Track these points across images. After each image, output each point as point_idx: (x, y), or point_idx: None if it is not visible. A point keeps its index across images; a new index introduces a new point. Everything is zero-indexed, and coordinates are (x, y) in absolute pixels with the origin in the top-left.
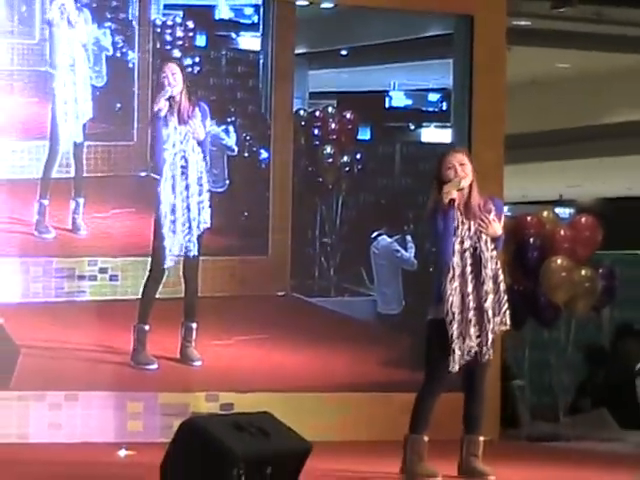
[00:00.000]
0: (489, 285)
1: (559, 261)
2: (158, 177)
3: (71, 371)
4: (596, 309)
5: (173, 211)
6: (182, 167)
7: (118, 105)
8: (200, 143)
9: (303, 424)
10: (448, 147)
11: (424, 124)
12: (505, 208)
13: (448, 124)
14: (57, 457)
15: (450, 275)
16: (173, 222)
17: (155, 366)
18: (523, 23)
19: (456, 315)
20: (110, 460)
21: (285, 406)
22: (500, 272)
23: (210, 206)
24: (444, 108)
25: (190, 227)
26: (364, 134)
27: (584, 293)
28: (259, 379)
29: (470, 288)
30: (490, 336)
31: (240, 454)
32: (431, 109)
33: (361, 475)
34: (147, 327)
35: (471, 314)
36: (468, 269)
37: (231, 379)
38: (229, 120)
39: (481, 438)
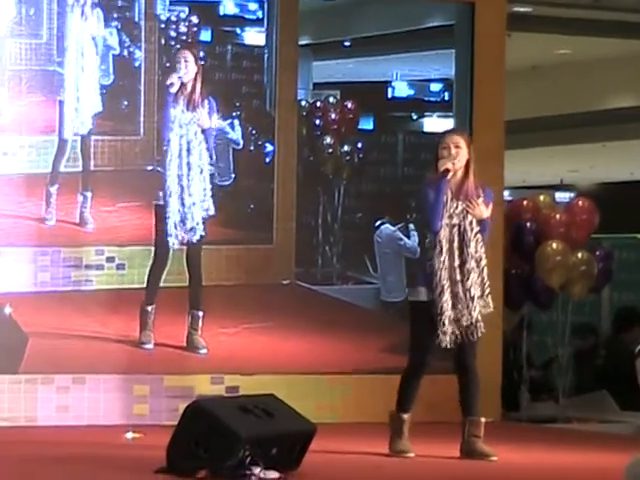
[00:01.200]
0: (471, 264)
1: (554, 245)
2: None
3: (78, 355)
4: (594, 291)
5: (177, 195)
6: (186, 151)
7: (125, 103)
8: (204, 132)
9: (307, 406)
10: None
11: (426, 114)
12: (505, 193)
13: (450, 114)
14: (65, 439)
15: (438, 249)
16: (176, 205)
17: (150, 346)
18: (523, 9)
19: (445, 288)
20: (117, 442)
21: (290, 388)
22: (484, 255)
23: (212, 196)
24: (446, 98)
25: (192, 212)
26: (367, 124)
27: (580, 276)
28: (264, 363)
29: (457, 263)
30: (474, 314)
31: (245, 436)
32: (433, 99)
33: (361, 455)
34: (150, 308)
35: (458, 288)
36: (455, 244)
37: (236, 363)
38: (234, 114)
39: (482, 419)
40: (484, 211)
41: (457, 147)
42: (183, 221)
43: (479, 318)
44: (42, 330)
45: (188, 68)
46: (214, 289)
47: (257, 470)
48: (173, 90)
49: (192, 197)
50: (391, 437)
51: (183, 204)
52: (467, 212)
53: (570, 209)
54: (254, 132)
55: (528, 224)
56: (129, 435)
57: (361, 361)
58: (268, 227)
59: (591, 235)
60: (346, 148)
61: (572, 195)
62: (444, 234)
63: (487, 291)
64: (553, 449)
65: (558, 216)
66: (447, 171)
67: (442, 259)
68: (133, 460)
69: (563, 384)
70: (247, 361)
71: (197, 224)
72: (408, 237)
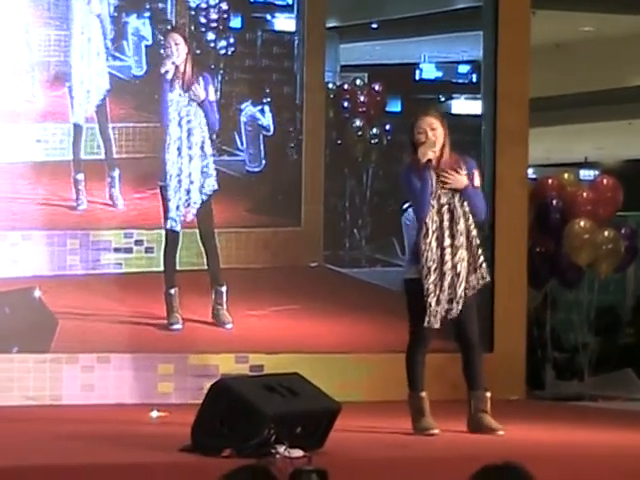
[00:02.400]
0: (460, 240)
1: (582, 223)
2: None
3: (104, 335)
4: (619, 270)
5: (178, 174)
6: (187, 132)
7: (156, 95)
8: (201, 105)
9: (332, 385)
10: (422, 111)
11: (454, 96)
12: (530, 171)
13: (478, 96)
14: (89, 418)
15: (424, 231)
16: (177, 185)
17: (179, 326)
18: None
19: (432, 270)
20: (142, 421)
21: (314, 367)
22: (473, 227)
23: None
24: (474, 80)
25: (192, 190)
26: (394, 106)
27: (607, 254)
28: (289, 343)
29: (447, 242)
30: (459, 291)
31: (270, 414)
32: (461, 81)
33: (386, 433)
34: (173, 291)
35: (447, 267)
36: (445, 224)
37: (262, 343)
38: (264, 101)
39: (487, 393)
40: (461, 180)
41: (432, 129)
42: (187, 202)
43: (464, 293)
44: (70, 312)
45: (179, 51)
46: (242, 272)
47: (282, 449)
48: (169, 76)
49: (191, 176)
50: (413, 417)
51: (180, 185)
52: (454, 189)
53: (595, 187)
54: (284, 117)
55: (554, 202)
56: (154, 414)
57: (388, 342)
58: (296, 210)
59: (616, 213)
60: (375, 131)
61: (596, 173)
62: (430, 215)
63: (480, 261)
64: (578, 427)
65: (585, 194)
66: (430, 161)
67: (427, 241)
68: (158, 438)
69: (588, 362)
70: (273, 341)
71: (195, 203)
72: None
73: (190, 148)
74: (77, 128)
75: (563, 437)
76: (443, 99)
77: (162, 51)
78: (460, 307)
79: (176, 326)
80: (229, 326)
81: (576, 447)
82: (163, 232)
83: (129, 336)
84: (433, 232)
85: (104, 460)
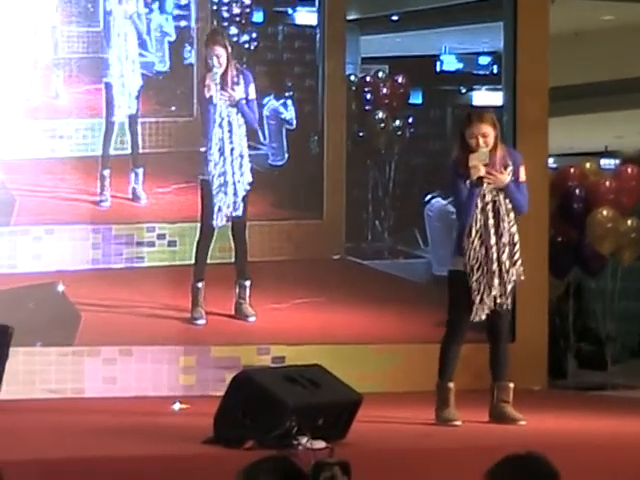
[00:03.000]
0: (506, 238)
1: (605, 212)
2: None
3: (127, 329)
4: None
5: (222, 173)
6: (228, 131)
7: (180, 86)
8: (237, 105)
9: (354, 376)
10: (475, 111)
11: (475, 87)
12: (550, 160)
13: (499, 87)
14: (112, 410)
15: (467, 230)
16: (222, 183)
17: (203, 322)
18: None
19: (475, 268)
20: (164, 413)
21: (336, 359)
22: (513, 224)
23: (251, 170)
24: (495, 71)
25: (235, 188)
26: (416, 98)
27: (630, 243)
28: (311, 335)
29: (493, 240)
30: (508, 287)
31: (292, 406)
32: (482, 72)
33: (408, 424)
34: (200, 285)
35: (495, 266)
36: (490, 222)
37: (285, 336)
38: (287, 94)
39: (510, 384)
40: (504, 179)
41: (484, 137)
42: (228, 198)
43: (508, 289)
44: (93, 306)
45: (221, 62)
46: (265, 264)
47: (304, 440)
48: (213, 92)
49: (235, 174)
50: (437, 406)
51: (227, 183)
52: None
53: (619, 176)
54: (306, 111)
55: (577, 191)
56: (176, 406)
57: (410, 333)
58: (318, 202)
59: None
60: (397, 123)
61: (617, 162)
62: (477, 215)
63: (518, 259)
64: (600, 417)
65: (607, 183)
66: (481, 179)
67: (471, 240)
68: (180, 430)
69: (611, 351)
70: (295, 333)
71: (240, 199)
72: None
73: (232, 148)
74: (111, 125)
75: (585, 427)
76: (464, 90)
77: (208, 61)
78: (509, 302)
79: (200, 321)
80: (252, 319)
81: (598, 436)
82: (198, 225)
83: (152, 329)
84: (477, 231)
85: (126, 452)
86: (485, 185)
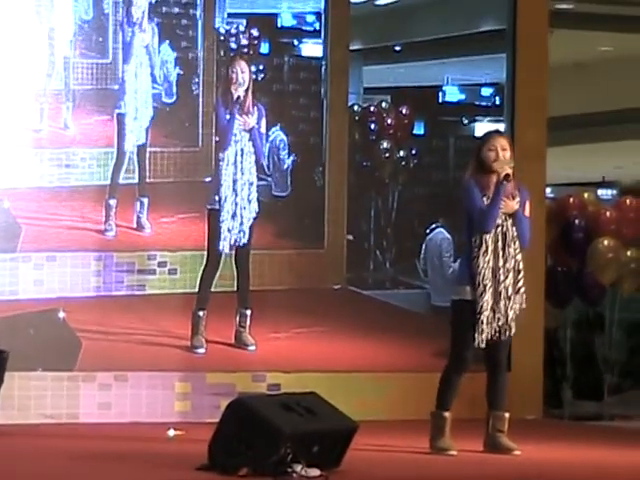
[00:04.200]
0: (511, 264)
1: (606, 242)
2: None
3: (125, 354)
4: None
5: (231, 199)
6: (240, 156)
7: (186, 115)
8: (250, 132)
9: (349, 404)
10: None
11: (477, 118)
12: (548, 190)
13: (501, 118)
14: (106, 436)
15: (484, 249)
16: (231, 207)
17: (202, 350)
18: (565, 6)
19: (487, 287)
20: (159, 439)
21: (331, 386)
22: (518, 252)
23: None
24: (497, 102)
25: (242, 215)
26: (418, 129)
27: (630, 273)
28: (308, 362)
29: (501, 263)
30: (511, 313)
31: (287, 433)
32: (484, 103)
33: (402, 452)
34: (202, 313)
35: (501, 287)
36: (499, 245)
37: (283, 364)
38: (292, 125)
39: (506, 414)
40: (513, 205)
41: (504, 150)
42: (235, 225)
43: (513, 317)
44: (93, 333)
45: (245, 79)
46: (266, 294)
47: (299, 468)
48: (240, 101)
49: (243, 201)
50: (432, 435)
51: (236, 209)
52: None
53: (619, 206)
54: (310, 142)
55: (577, 221)
56: (171, 432)
57: (409, 363)
58: (319, 232)
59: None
60: (402, 153)
61: (615, 192)
62: (490, 234)
63: (521, 287)
64: (595, 447)
65: (608, 213)
66: (508, 176)
67: (487, 259)
68: (174, 457)
69: (608, 381)
70: (293, 362)
71: (246, 227)
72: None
73: (242, 172)
74: (122, 155)
75: (579, 457)
76: (466, 122)
77: (231, 74)
78: (511, 330)
79: (200, 350)
80: (252, 348)
81: (592, 467)
82: (204, 254)
83: (150, 356)
84: (492, 250)
85: (120, 478)
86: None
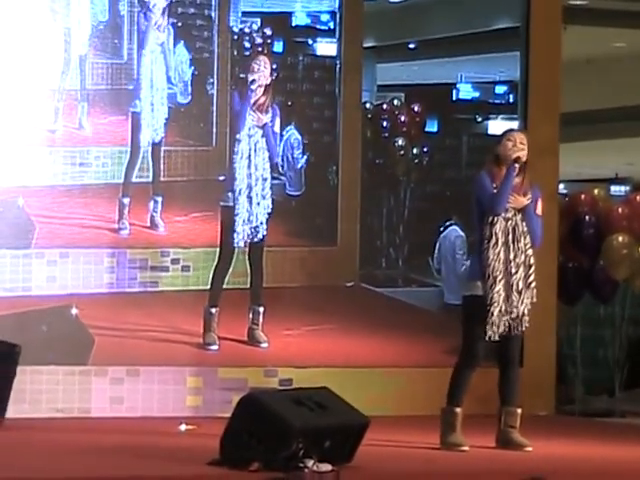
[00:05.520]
0: (521, 258)
1: (620, 238)
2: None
3: (137, 350)
4: None
5: (245, 194)
6: (254, 152)
7: (200, 114)
8: (263, 128)
9: (360, 399)
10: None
11: (491, 116)
12: (561, 186)
13: (515, 116)
14: (118, 430)
15: (494, 241)
16: (247, 203)
17: (216, 347)
18: (579, 2)
19: (497, 279)
20: (170, 434)
21: (343, 381)
22: (529, 247)
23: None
24: (511, 100)
25: (257, 211)
26: (431, 126)
27: None
28: (320, 358)
29: (511, 256)
30: (522, 307)
31: (299, 428)
32: (498, 101)
33: (414, 448)
34: (214, 310)
35: (512, 281)
36: (510, 237)
37: (294, 360)
38: (306, 124)
39: (518, 410)
40: (522, 201)
41: (522, 143)
42: (249, 220)
43: (525, 312)
44: (106, 329)
45: (265, 73)
46: (278, 291)
47: (310, 463)
48: (254, 87)
49: (257, 197)
50: (443, 431)
51: (250, 203)
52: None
53: (630, 202)
54: (325, 141)
55: (588, 217)
56: (182, 427)
57: (420, 360)
58: (332, 229)
59: None
60: (415, 151)
61: (627, 188)
62: (500, 227)
63: (532, 283)
64: (605, 443)
65: (620, 209)
66: (519, 159)
67: (497, 251)
68: (186, 451)
69: (619, 378)
70: (305, 358)
71: (261, 223)
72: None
73: (256, 168)
74: (136, 154)
75: (590, 453)
76: (480, 119)
77: (252, 67)
78: (523, 324)
79: (213, 347)
80: (264, 345)
81: (603, 463)
82: (216, 250)
83: (162, 352)
84: (503, 243)
85: (131, 473)
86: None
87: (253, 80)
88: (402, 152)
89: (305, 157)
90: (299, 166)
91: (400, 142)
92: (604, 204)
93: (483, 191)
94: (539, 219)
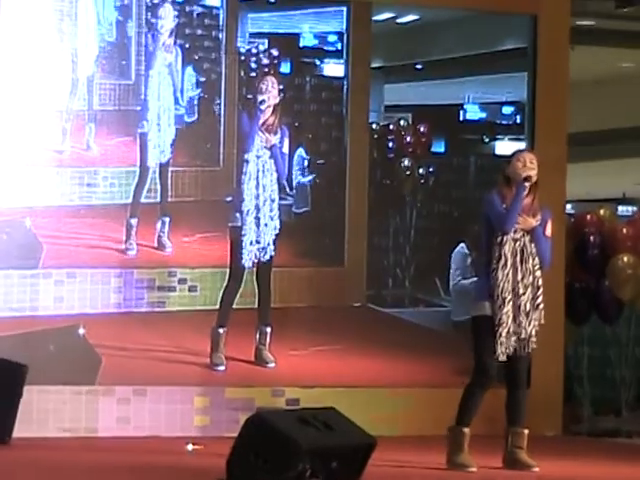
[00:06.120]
0: (529, 279)
1: (625, 258)
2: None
3: (144, 370)
4: None
5: (253, 215)
6: (262, 172)
7: (207, 134)
8: (271, 149)
9: (367, 419)
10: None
11: (498, 137)
12: (568, 206)
13: (522, 137)
14: (125, 450)
15: (502, 262)
16: (254, 223)
17: (222, 368)
18: (587, 23)
19: (506, 301)
20: (177, 453)
21: (350, 401)
22: (537, 268)
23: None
24: (518, 121)
25: (264, 231)
26: (439, 147)
27: None
28: (327, 378)
29: (519, 277)
30: (529, 329)
31: (306, 448)
32: (505, 122)
33: (422, 468)
34: (222, 330)
35: (520, 302)
36: (518, 258)
37: (301, 380)
38: (314, 145)
39: (525, 430)
40: (531, 222)
41: (532, 163)
42: (257, 240)
43: (533, 333)
44: (113, 349)
45: (272, 93)
46: (286, 310)
47: None
48: (263, 107)
49: (265, 218)
50: (450, 451)
51: (258, 224)
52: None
53: (634, 223)
54: (332, 161)
55: (592, 238)
56: (189, 447)
57: (427, 379)
58: (340, 250)
59: None
60: (421, 171)
61: (635, 209)
62: (509, 248)
63: (540, 304)
64: (614, 463)
65: (625, 230)
66: (529, 178)
67: (506, 272)
68: (193, 471)
69: (625, 397)
70: (312, 379)
71: (268, 244)
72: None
73: (264, 189)
74: (144, 174)
75: (597, 473)
76: (487, 140)
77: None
78: (531, 345)
79: (220, 367)
80: (271, 365)
81: None
82: (227, 271)
83: (170, 372)
84: (511, 265)
85: None
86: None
87: (262, 100)
88: (408, 172)
89: (312, 177)
90: (306, 186)
91: (406, 162)
92: (610, 224)
93: (493, 210)
94: (548, 241)
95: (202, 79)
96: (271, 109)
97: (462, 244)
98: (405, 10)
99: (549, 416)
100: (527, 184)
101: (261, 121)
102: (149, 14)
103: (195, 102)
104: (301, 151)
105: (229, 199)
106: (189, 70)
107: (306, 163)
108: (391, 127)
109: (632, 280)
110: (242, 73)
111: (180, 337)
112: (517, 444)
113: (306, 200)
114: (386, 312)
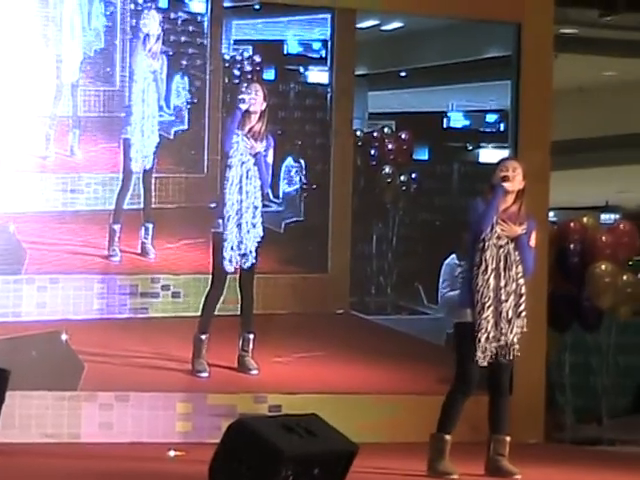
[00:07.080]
0: (512, 287)
1: (603, 266)
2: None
3: (126, 376)
4: (638, 313)
5: (234, 220)
6: (246, 178)
7: (190, 149)
8: (255, 156)
9: (350, 426)
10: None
11: (482, 144)
12: (551, 214)
13: (506, 144)
14: (108, 456)
15: (483, 267)
16: (236, 229)
17: (206, 374)
18: (570, 31)
19: (486, 306)
20: (160, 460)
21: (332, 408)
22: (521, 276)
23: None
24: (502, 129)
25: (246, 238)
26: (422, 154)
27: (627, 298)
28: (310, 385)
29: (503, 283)
30: (511, 336)
31: (288, 455)
32: (489, 130)
33: (403, 475)
34: (204, 336)
35: (502, 309)
36: (501, 265)
37: (283, 386)
38: (298, 152)
39: (507, 438)
40: (516, 230)
41: (514, 170)
42: (239, 246)
43: (515, 340)
44: (95, 355)
45: (256, 100)
46: (269, 317)
47: None
48: (243, 106)
49: (247, 225)
50: (432, 458)
51: (240, 230)
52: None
53: (613, 230)
54: (317, 169)
55: (572, 245)
56: (171, 453)
57: (409, 386)
58: (323, 257)
59: (634, 257)
60: (403, 178)
61: (617, 217)
62: (491, 253)
63: (522, 312)
64: (596, 471)
65: (604, 238)
66: (507, 178)
67: (486, 277)
68: (175, 477)
69: (607, 406)
70: (295, 385)
71: (250, 251)
72: None
73: (247, 195)
74: (127, 180)
75: None
76: (471, 148)
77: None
78: (513, 352)
79: (203, 374)
80: (254, 372)
81: None
82: (209, 278)
83: (152, 378)
84: (492, 270)
85: None
86: (499, 231)
87: (246, 107)
88: (389, 180)
89: (297, 184)
90: (291, 193)
91: (387, 170)
92: (592, 232)
93: (474, 212)
94: (532, 251)
95: (187, 85)
96: (257, 116)
97: (453, 255)
98: (389, 18)
99: (531, 424)
100: (505, 184)
101: (247, 128)
102: (134, 20)
103: (182, 109)
104: (290, 160)
105: (213, 205)
106: (177, 78)
107: (294, 171)
108: (375, 134)
109: (611, 288)
110: (226, 80)
111: (163, 343)
112: (499, 451)
113: (291, 209)
114: (369, 319)
